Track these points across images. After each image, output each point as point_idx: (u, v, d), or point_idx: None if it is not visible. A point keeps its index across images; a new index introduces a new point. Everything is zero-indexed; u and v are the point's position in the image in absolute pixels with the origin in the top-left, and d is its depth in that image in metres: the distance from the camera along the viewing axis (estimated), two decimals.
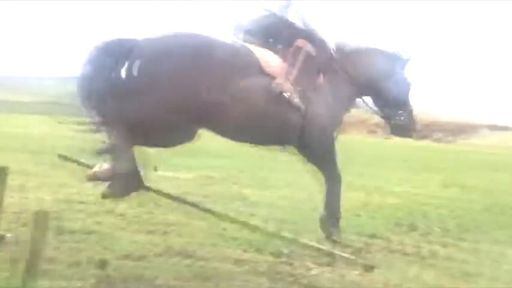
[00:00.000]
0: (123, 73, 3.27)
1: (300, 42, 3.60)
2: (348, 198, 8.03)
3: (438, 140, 31.07)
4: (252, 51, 3.46)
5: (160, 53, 3.13)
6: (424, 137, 31.12)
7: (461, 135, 32.82)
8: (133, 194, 4.01)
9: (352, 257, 4.47)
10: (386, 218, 6.72)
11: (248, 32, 3.71)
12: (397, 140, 28.44)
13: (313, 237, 5.25)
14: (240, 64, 3.36)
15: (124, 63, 3.19)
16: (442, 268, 4.63)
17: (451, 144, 29.95)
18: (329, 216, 4.62)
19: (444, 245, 5.54)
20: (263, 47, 3.59)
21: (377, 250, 5.12)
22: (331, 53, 3.89)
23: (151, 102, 3.10)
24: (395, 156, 17.50)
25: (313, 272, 4.16)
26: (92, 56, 3.25)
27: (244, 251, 4.71)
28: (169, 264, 4.02)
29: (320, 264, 4.33)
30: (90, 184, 4.57)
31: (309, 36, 3.73)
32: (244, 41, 3.69)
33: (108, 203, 5.40)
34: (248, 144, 4.32)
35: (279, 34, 3.65)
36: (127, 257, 4.04)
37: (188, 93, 3.15)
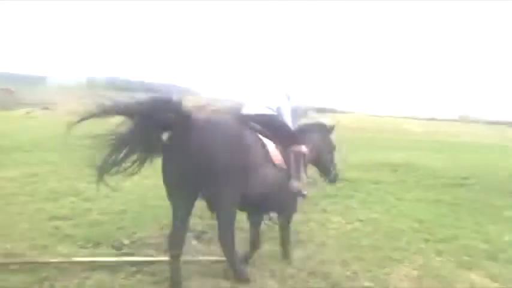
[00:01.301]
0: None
1: (297, 147, 4.31)
2: None
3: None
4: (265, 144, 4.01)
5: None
6: None
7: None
8: None
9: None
10: None
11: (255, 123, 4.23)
12: None
13: (156, 226, 5.26)
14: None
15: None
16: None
17: None
18: None
19: None
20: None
21: None
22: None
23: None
24: None
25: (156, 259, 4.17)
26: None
27: (81, 247, 4.50)
28: None
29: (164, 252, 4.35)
30: None
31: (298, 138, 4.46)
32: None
33: None
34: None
35: (279, 135, 4.25)
36: None
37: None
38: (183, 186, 3.43)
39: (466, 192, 8.79)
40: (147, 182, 7.10)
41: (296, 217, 5.82)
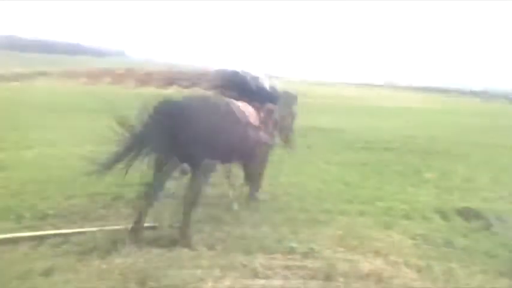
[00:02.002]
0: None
1: (268, 106, 5.06)
2: None
3: (206, 88, 32.36)
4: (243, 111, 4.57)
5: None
6: (193, 86, 32.29)
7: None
8: None
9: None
10: None
11: (232, 87, 4.89)
12: (164, 89, 29.08)
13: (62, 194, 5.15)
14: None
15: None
16: (209, 204, 5.02)
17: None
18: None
19: (213, 185, 6.02)
20: (243, 101, 4.70)
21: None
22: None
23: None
24: None
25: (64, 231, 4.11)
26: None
27: None
28: None
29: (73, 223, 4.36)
30: None
31: (272, 99, 5.19)
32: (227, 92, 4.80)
33: None
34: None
35: (256, 95, 4.93)
36: None
37: None
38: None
39: (389, 155, 9.28)
40: (51, 151, 6.86)
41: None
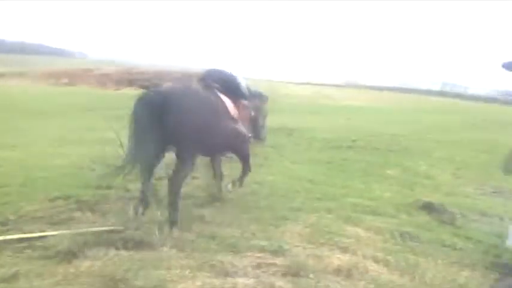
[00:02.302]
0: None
1: (243, 102, 5.37)
2: (81, 153, 7.82)
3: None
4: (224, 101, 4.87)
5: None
6: (154, 86, 31.92)
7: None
8: None
9: None
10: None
11: (215, 81, 5.03)
12: (126, 90, 28.58)
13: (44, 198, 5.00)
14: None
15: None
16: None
17: None
18: None
19: None
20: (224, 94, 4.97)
21: (115, 200, 5.17)
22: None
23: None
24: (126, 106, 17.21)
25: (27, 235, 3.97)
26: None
27: None
28: None
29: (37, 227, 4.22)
30: None
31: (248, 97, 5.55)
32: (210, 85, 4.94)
33: None
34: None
35: (236, 91, 5.25)
36: None
37: None
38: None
39: (354, 153, 9.44)
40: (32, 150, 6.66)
41: (196, 182, 5.92)
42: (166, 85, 4.83)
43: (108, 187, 5.59)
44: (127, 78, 32.90)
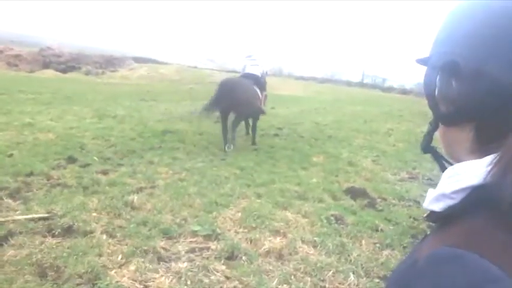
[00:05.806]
0: None
1: (264, 93, 9.08)
2: None
3: (87, 73, 30.62)
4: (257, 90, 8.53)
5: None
6: (71, 69, 30.30)
7: (110, 67, 33.10)
8: None
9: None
10: (43, 155, 6.45)
11: (253, 79, 8.61)
12: (41, 73, 27.00)
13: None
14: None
15: None
16: (105, 193, 4.89)
17: (100, 77, 30.12)
18: None
19: (105, 173, 5.82)
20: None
21: (38, 187, 4.94)
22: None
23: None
24: (42, 90, 16.34)
25: None
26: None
27: None
28: None
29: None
30: None
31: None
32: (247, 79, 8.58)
33: None
34: None
35: (261, 86, 8.83)
36: None
37: None
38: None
39: (280, 141, 9.65)
40: None
41: (123, 170, 5.78)
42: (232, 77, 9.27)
43: (28, 174, 5.32)
44: (43, 61, 30.92)
